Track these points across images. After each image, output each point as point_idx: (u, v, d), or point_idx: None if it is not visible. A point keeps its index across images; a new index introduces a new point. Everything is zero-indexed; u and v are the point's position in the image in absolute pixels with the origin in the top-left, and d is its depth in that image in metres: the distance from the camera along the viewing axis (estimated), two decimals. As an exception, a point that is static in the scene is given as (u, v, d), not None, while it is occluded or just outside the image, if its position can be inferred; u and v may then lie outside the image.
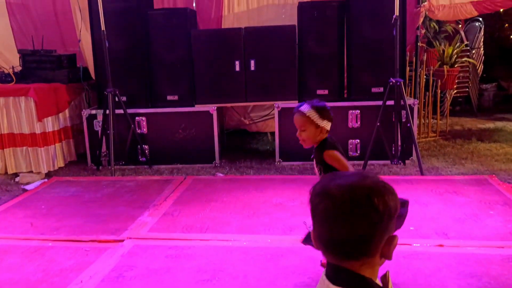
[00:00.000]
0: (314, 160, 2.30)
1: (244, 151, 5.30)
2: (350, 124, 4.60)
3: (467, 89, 6.94)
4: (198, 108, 4.72)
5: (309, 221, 1.05)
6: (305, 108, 2.21)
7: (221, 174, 4.39)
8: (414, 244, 2.67)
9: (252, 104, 5.14)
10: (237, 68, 4.67)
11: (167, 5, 5.43)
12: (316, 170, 2.30)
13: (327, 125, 2.21)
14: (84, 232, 2.99)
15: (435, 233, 2.82)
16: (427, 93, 5.72)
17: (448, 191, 3.57)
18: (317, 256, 2.60)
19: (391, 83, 4.16)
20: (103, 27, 4.34)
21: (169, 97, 4.75)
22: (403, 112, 4.23)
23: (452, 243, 2.68)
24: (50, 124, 4.50)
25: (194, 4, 5.46)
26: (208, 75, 4.71)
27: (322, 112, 2.20)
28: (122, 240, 2.84)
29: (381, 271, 1.02)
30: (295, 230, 2.96)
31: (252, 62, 4.66)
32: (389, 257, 0.95)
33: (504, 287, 2.22)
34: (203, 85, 4.73)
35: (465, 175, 4.06)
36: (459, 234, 2.80)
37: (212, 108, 4.67)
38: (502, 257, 2.49)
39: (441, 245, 2.65)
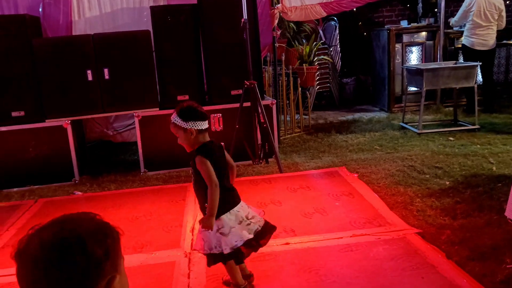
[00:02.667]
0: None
1: (109, 164, 5.03)
2: (213, 128, 4.60)
3: (328, 85, 7.41)
4: (50, 123, 4.36)
5: None
6: (173, 115, 2.17)
7: (79, 192, 4.11)
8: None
9: (110, 114, 4.89)
10: (90, 78, 4.40)
11: (7, 11, 4.92)
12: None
13: (195, 125, 2.16)
14: None
15: (284, 231, 2.91)
16: (292, 91, 5.97)
17: (302, 186, 3.74)
18: (164, 273, 2.53)
19: (246, 86, 4.24)
20: None
21: (14, 114, 4.32)
22: (262, 113, 4.34)
23: (297, 239, 2.79)
24: None
25: (40, 10, 5.04)
26: (58, 86, 4.37)
27: (185, 115, 2.16)
28: None
29: None
30: (147, 247, 2.85)
31: (106, 71, 4.43)
32: None
33: (338, 276, 2.35)
34: (53, 98, 4.38)
35: (321, 168, 4.30)
36: (306, 230, 2.93)
37: (65, 122, 4.34)
38: (339, 248, 2.65)
39: (287, 243, 2.74)
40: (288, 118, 5.96)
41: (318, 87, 7.14)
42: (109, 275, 0.87)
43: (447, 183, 3.62)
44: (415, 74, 5.57)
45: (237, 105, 4.45)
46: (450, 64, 5.74)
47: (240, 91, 4.58)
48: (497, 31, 5.99)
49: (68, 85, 4.39)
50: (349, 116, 6.74)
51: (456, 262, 2.40)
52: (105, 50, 4.41)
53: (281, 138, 5.44)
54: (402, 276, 2.31)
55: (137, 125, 4.52)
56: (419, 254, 2.51)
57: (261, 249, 2.68)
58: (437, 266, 2.36)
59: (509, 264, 2.30)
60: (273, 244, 2.74)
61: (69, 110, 4.43)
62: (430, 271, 2.33)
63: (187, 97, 4.64)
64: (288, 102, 5.89)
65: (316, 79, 6.80)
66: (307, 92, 6.39)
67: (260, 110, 4.28)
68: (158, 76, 4.63)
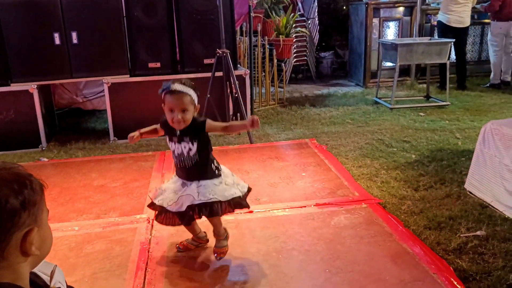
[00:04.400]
0: (180, 140, 2.16)
1: (78, 131, 4.94)
2: (185, 97, 4.53)
3: (306, 58, 7.36)
4: (15, 87, 4.23)
5: None
6: (184, 88, 2.07)
7: (45, 159, 4.03)
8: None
9: (78, 80, 4.75)
10: (57, 42, 4.26)
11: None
12: (182, 150, 2.17)
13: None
14: None
15: (248, 200, 2.92)
16: (268, 62, 5.90)
17: (271, 157, 3.74)
18: (125, 238, 2.52)
19: (218, 54, 4.17)
20: None
21: (-23, 77, 4.17)
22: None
23: (261, 207, 2.81)
24: None
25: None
26: (23, 50, 4.22)
27: (197, 92, 2.15)
28: None
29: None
30: (110, 213, 2.83)
31: (74, 35, 4.29)
32: (31, 253, 0.87)
33: (297, 243, 2.39)
34: (18, 62, 4.23)
35: (291, 140, 4.30)
36: (270, 198, 2.95)
37: (31, 86, 4.22)
38: (302, 216, 2.68)
39: (250, 212, 2.75)
40: (263, 91, 5.92)
41: (295, 60, 7.09)
42: (27, 227, 0.85)
43: (413, 156, 3.67)
44: (390, 49, 5.57)
45: (209, 74, 4.39)
46: (425, 40, 5.75)
47: (213, 60, 4.51)
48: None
49: (35, 49, 4.24)
50: (325, 90, 6.73)
51: (413, 231, 2.46)
52: (74, 13, 4.26)
53: (255, 110, 5.41)
54: (359, 243, 2.35)
55: (106, 92, 4.43)
56: (379, 223, 2.56)
57: (224, 217, 2.70)
58: (395, 234, 2.42)
59: (463, 233, 2.37)
60: (237, 212, 2.75)
61: (35, 75, 4.29)
62: (387, 239, 2.38)
63: (158, 64, 4.55)
64: (263, 74, 5.83)
65: (292, 51, 6.74)
66: (283, 64, 6.33)
67: (232, 80, 4.23)
68: (129, 42, 4.50)
